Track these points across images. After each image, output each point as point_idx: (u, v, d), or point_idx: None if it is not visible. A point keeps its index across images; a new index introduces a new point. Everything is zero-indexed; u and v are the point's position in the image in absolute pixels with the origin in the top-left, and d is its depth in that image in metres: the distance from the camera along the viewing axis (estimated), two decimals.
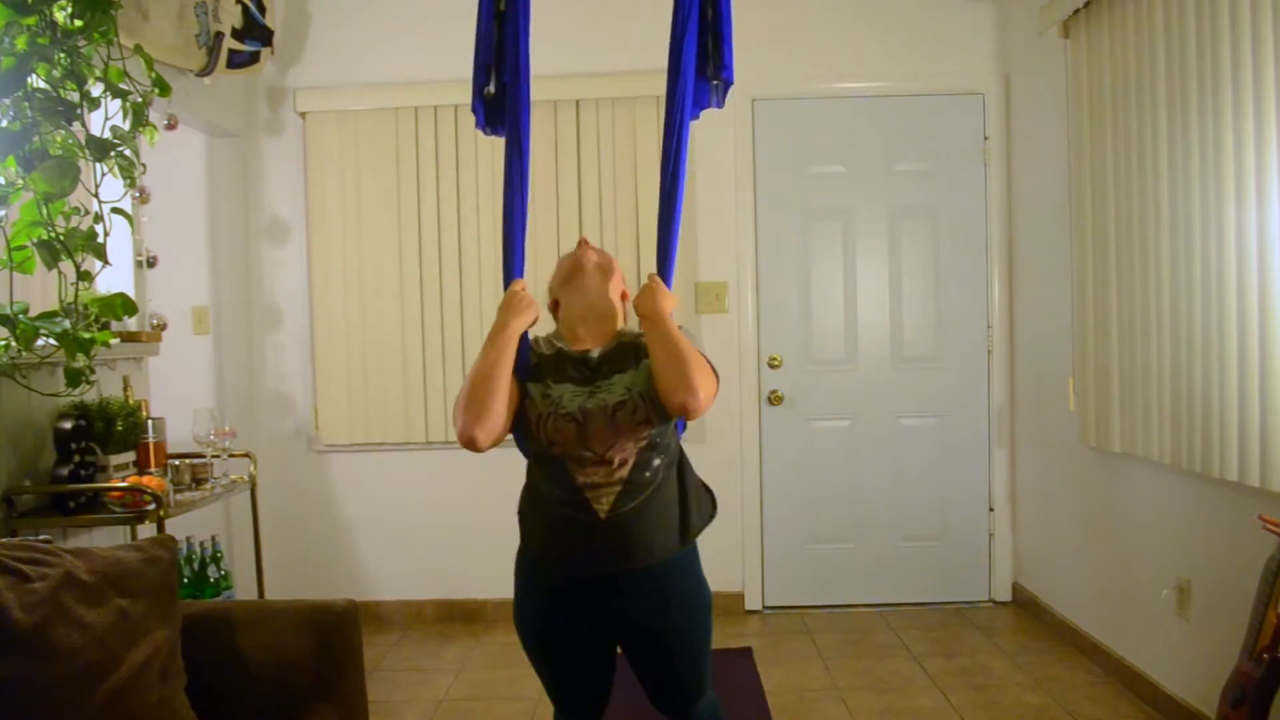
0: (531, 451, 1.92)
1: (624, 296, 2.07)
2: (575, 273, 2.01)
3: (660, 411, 1.81)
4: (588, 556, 1.84)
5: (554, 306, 2.07)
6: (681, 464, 1.95)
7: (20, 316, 2.05)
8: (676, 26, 2.07)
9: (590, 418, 1.80)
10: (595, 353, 1.93)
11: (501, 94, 2.01)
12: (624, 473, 1.82)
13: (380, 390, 4.07)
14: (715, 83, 2.16)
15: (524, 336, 1.92)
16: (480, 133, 2.13)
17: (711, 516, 2.00)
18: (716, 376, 1.86)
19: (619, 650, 2.01)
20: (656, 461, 1.86)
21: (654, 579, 1.87)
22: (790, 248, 4.13)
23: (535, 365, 1.93)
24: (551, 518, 1.87)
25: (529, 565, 1.96)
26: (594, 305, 1.99)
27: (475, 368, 1.84)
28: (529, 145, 2.00)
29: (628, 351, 1.93)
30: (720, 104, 2.24)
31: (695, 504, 1.94)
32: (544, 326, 2.06)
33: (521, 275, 2.01)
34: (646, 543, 1.84)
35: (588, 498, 1.81)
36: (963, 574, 4.17)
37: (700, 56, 2.11)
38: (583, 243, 2.09)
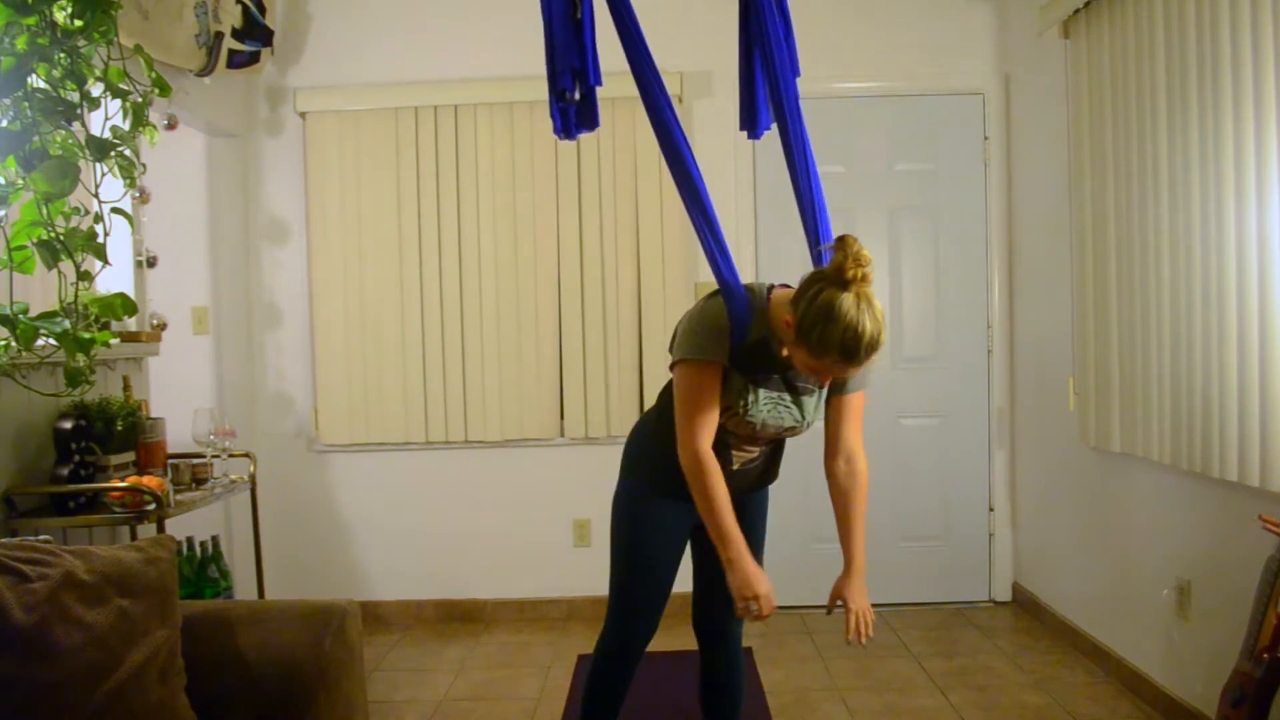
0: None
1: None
2: (813, 370, 1.92)
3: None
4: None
5: (786, 324, 1.94)
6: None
7: (20, 316, 2.05)
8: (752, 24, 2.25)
9: (766, 428, 2.08)
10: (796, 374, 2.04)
11: (587, 98, 2.24)
12: (757, 450, 2.18)
13: (380, 390, 4.07)
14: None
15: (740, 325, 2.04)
16: (558, 137, 2.36)
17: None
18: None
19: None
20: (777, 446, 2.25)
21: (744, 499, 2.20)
22: (790, 248, 4.13)
23: (745, 349, 2.02)
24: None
25: (659, 475, 2.19)
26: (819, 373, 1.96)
27: (706, 501, 2.05)
28: (686, 143, 2.15)
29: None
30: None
31: (777, 467, 2.33)
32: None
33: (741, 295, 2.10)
34: (750, 484, 2.24)
35: (732, 455, 2.13)
36: (963, 574, 4.17)
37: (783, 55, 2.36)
38: (856, 357, 1.83)
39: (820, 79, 4.08)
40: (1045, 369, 3.78)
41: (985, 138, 4.09)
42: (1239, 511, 2.51)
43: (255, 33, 3.74)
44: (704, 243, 2.13)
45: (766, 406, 2.04)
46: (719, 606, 2.31)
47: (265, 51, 3.84)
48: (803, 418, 2.10)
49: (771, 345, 2.01)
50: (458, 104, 4.02)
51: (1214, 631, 2.65)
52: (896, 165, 4.13)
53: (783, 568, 4.17)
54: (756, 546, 2.28)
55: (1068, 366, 3.49)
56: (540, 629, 4.00)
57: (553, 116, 2.23)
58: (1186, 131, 2.65)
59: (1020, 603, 4.09)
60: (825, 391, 2.12)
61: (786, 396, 2.07)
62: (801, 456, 4.15)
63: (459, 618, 4.14)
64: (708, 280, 4.10)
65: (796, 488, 4.15)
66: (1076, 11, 3.26)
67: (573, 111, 2.25)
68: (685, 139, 2.15)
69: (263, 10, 3.78)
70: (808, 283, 1.93)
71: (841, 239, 1.90)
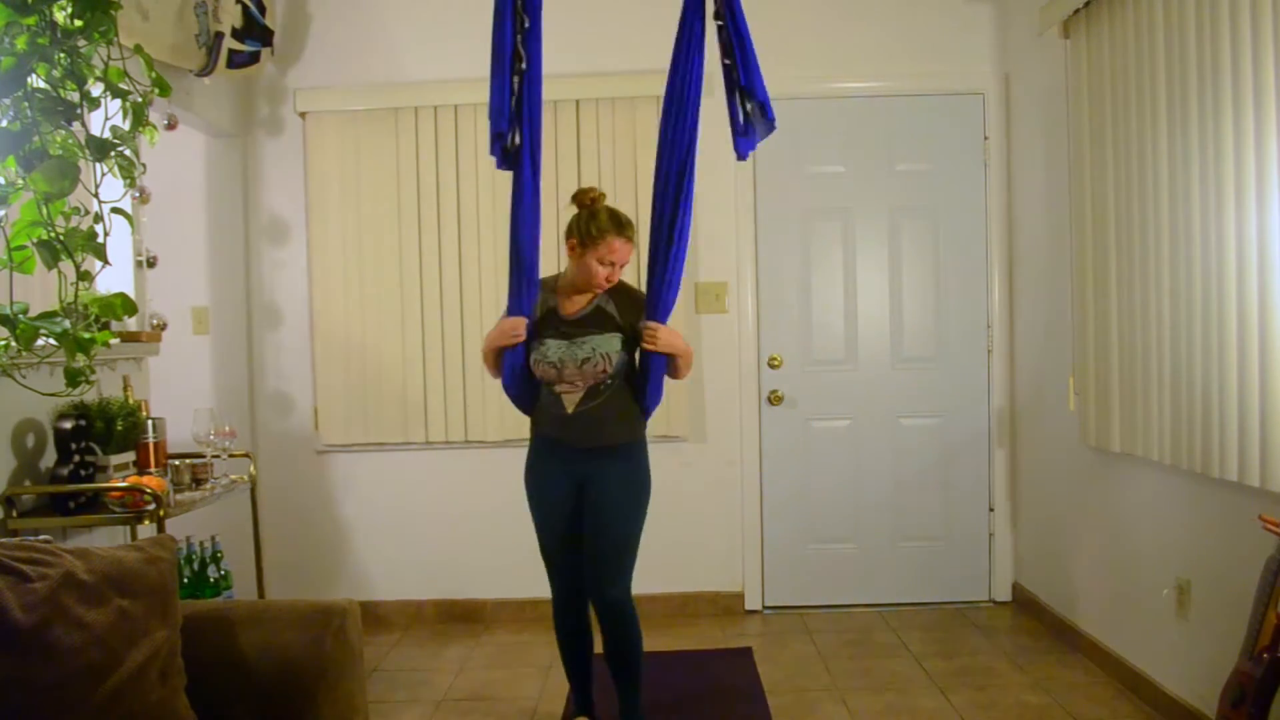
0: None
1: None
2: (605, 260, 2.65)
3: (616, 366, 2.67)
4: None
5: (571, 249, 2.70)
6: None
7: (20, 316, 2.05)
8: (679, 40, 2.60)
9: (565, 365, 2.66)
10: (576, 316, 2.71)
11: (524, 141, 2.64)
12: (577, 390, 2.69)
13: (380, 390, 4.07)
14: (749, 107, 2.44)
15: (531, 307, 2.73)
16: (488, 152, 2.68)
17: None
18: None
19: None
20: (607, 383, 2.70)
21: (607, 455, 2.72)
22: (790, 248, 4.13)
23: (535, 323, 2.71)
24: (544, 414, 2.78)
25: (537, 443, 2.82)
26: (595, 283, 2.68)
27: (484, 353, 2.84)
28: (539, 171, 2.72)
29: (603, 318, 2.69)
30: (756, 136, 2.62)
31: (628, 423, 2.76)
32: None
33: (528, 311, 2.71)
34: (597, 431, 2.71)
35: (561, 398, 2.70)
36: (963, 574, 4.17)
37: (727, 78, 2.58)
38: (624, 227, 2.68)
39: (820, 79, 4.09)
40: (1045, 369, 3.78)
41: (985, 138, 4.09)
42: (1239, 511, 2.51)
43: (255, 33, 3.74)
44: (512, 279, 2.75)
45: (556, 350, 2.65)
46: (591, 576, 2.73)
47: (265, 51, 3.84)
48: (592, 351, 2.63)
49: (558, 308, 2.70)
50: (458, 104, 4.02)
51: (1214, 631, 2.65)
52: (896, 165, 4.13)
53: (783, 567, 4.18)
54: (595, 534, 2.69)
55: (1068, 366, 3.49)
56: (540, 629, 4.00)
57: (493, 153, 2.71)
58: (1186, 131, 2.65)
59: (1020, 603, 4.09)
60: (616, 341, 2.67)
61: (573, 340, 2.66)
62: (800, 459, 4.16)
63: (459, 618, 4.14)
64: (707, 279, 4.10)
65: (796, 488, 4.16)
66: (1076, 11, 3.26)
67: (502, 150, 2.70)
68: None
69: (263, 10, 3.78)
70: (569, 223, 2.72)
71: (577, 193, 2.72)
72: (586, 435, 2.69)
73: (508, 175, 4.11)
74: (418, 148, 4.05)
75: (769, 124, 2.61)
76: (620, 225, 2.65)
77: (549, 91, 4.07)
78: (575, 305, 2.72)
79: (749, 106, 2.56)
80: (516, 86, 2.59)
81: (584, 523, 2.72)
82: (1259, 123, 2.36)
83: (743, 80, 2.53)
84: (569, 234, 2.70)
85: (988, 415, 4.15)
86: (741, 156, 2.69)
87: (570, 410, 2.68)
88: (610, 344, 2.66)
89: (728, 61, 2.55)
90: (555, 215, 4.02)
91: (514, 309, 2.71)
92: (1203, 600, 2.74)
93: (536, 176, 2.68)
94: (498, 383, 4.12)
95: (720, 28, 2.54)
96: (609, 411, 2.69)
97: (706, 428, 4.11)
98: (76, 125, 2.14)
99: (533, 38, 2.59)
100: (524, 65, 2.56)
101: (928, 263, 4.13)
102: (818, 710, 3.09)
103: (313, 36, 4.11)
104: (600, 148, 4.00)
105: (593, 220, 2.65)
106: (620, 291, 2.74)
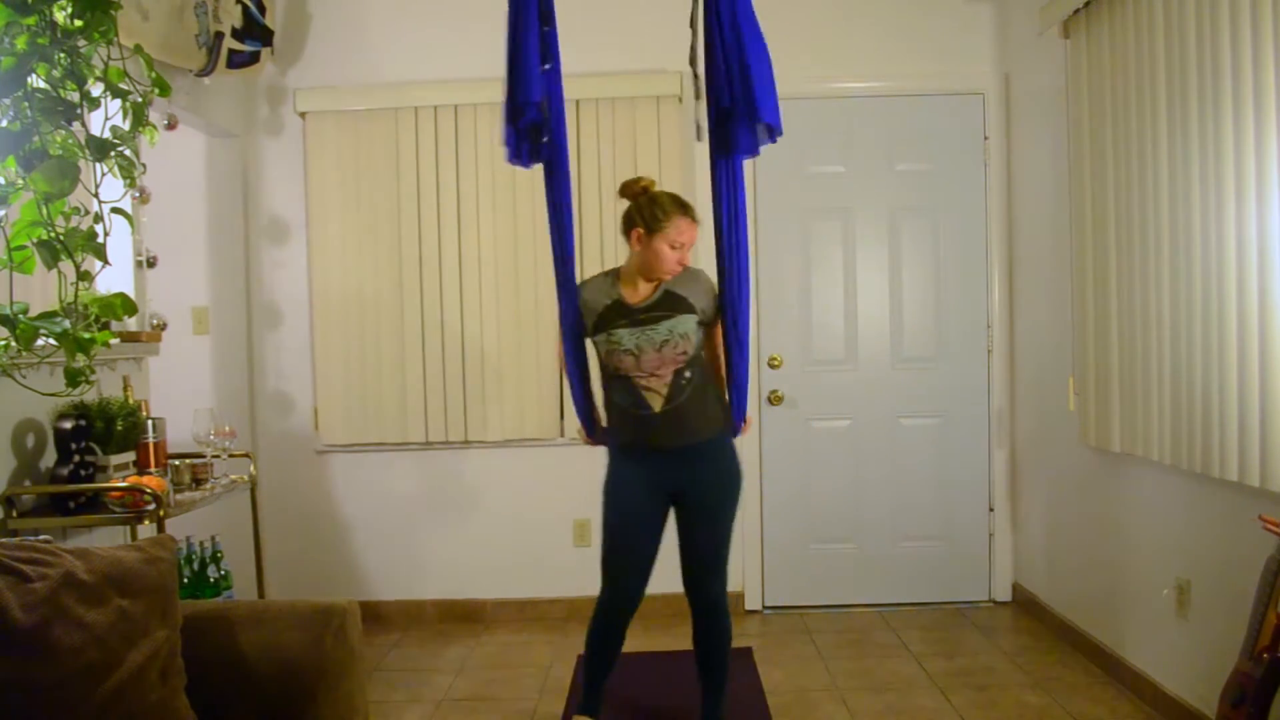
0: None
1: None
2: (675, 244, 2.59)
3: (696, 348, 2.63)
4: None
5: (638, 238, 2.61)
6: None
7: (20, 316, 2.05)
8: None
9: (643, 351, 2.57)
10: (645, 303, 2.62)
11: (555, 139, 2.56)
12: (662, 382, 2.60)
13: (380, 390, 4.07)
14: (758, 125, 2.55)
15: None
16: (502, 141, 2.57)
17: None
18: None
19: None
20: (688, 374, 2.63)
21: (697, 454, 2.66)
22: (790, 248, 4.13)
23: (598, 317, 2.65)
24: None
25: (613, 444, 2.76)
26: (666, 269, 2.62)
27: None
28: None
29: (674, 300, 2.62)
30: (754, 147, 2.56)
31: (712, 411, 2.70)
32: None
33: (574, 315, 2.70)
34: (688, 429, 2.64)
35: (642, 394, 2.60)
36: (963, 574, 4.17)
37: (729, 94, 2.48)
38: (688, 208, 2.63)
39: (820, 79, 4.08)
40: (1045, 369, 3.78)
41: (985, 138, 4.09)
42: (1239, 511, 2.51)
43: (255, 33, 3.74)
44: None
45: (631, 337, 2.57)
46: (695, 576, 2.72)
47: (265, 51, 3.84)
48: (669, 333, 2.56)
49: (623, 299, 2.62)
50: (458, 104, 4.02)
51: (1214, 631, 2.65)
52: (896, 165, 4.13)
53: (783, 568, 4.18)
54: (694, 538, 2.68)
55: (1068, 366, 3.49)
56: (540, 629, 4.00)
57: (508, 144, 2.57)
58: (1186, 131, 2.65)
59: (1020, 603, 4.09)
60: (691, 322, 2.60)
61: (646, 326, 2.58)
62: (800, 459, 4.15)
63: (459, 618, 4.14)
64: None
65: (796, 488, 4.15)
66: (1076, 11, 3.26)
67: (525, 147, 2.59)
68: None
69: (263, 10, 3.78)
70: (623, 217, 2.66)
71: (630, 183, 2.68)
72: (676, 434, 2.60)
73: (508, 175, 4.12)
74: (418, 148, 4.04)
75: (770, 137, 2.53)
76: (684, 206, 2.61)
77: None
78: (641, 294, 2.64)
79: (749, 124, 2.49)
80: (543, 79, 2.48)
81: (680, 525, 2.69)
82: (1259, 123, 2.36)
83: (736, 99, 2.43)
84: (630, 225, 2.62)
85: (988, 415, 4.15)
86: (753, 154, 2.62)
87: (657, 409, 2.58)
88: (686, 324, 2.58)
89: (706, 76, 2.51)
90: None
91: (566, 310, 2.69)
92: (1203, 600, 2.74)
93: (567, 174, 2.67)
94: (498, 383, 4.16)
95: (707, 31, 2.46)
96: (695, 407, 2.60)
97: None
98: (76, 125, 2.14)
99: (553, 39, 2.54)
100: (548, 65, 2.48)
101: (928, 263, 4.13)
102: (818, 710, 3.09)
103: (312, 36, 4.11)
104: (600, 148, 4.00)
105: (655, 205, 2.58)
106: (687, 275, 2.66)
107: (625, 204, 2.70)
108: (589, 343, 2.73)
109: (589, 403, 2.79)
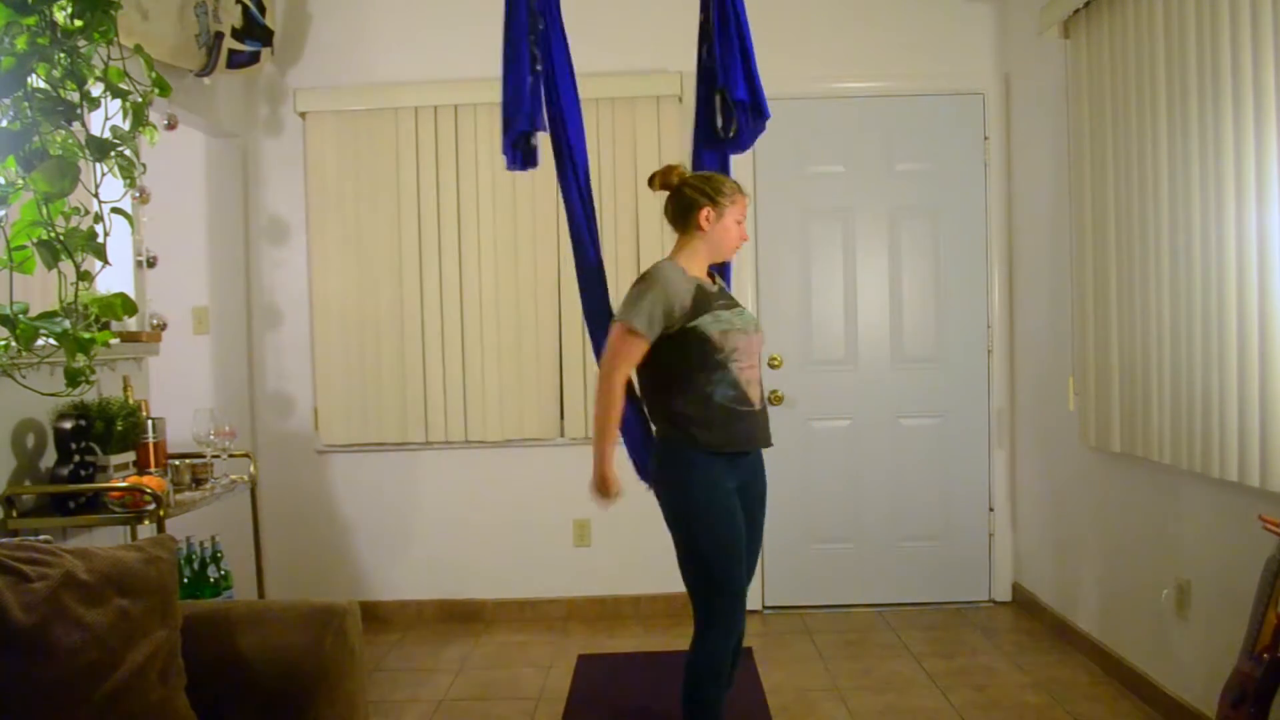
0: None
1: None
2: (740, 219, 2.49)
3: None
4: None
5: (706, 219, 2.44)
6: None
7: (20, 316, 2.05)
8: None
9: (749, 328, 2.43)
10: (721, 290, 2.51)
11: (563, 145, 2.59)
12: (755, 368, 2.45)
13: (380, 390, 4.07)
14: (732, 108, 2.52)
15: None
16: (501, 151, 2.62)
17: None
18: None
19: None
20: None
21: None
22: (790, 248, 4.13)
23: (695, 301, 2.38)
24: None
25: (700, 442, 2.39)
26: (733, 246, 2.53)
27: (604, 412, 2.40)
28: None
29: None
30: (735, 134, 2.66)
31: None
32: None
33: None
34: (765, 430, 2.49)
35: (745, 389, 2.39)
36: (963, 574, 4.17)
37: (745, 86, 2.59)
38: (745, 196, 2.53)
39: (820, 79, 4.08)
40: (1045, 369, 3.78)
41: (985, 138, 4.09)
42: (1239, 511, 2.51)
43: (255, 33, 3.74)
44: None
45: (740, 318, 2.43)
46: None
47: (265, 51, 3.84)
48: (755, 317, 2.55)
49: (702, 284, 2.41)
50: (458, 104, 4.02)
51: (1214, 631, 2.65)
52: (896, 165, 4.13)
53: (783, 568, 4.18)
54: (756, 535, 2.53)
55: (1068, 366, 3.49)
56: (540, 629, 4.00)
57: (505, 153, 2.63)
58: (1186, 131, 2.65)
59: (1020, 603, 4.09)
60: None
61: (735, 310, 2.45)
62: (800, 459, 4.15)
63: (459, 618, 4.14)
64: None
65: (796, 488, 4.15)
66: (1076, 11, 3.26)
67: (519, 155, 2.67)
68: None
69: (263, 10, 3.78)
70: (679, 202, 2.48)
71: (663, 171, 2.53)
72: (767, 432, 2.47)
73: (508, 175, 4.11)
74: (418, 147, 4.04)
75: (760, 123, 2.62)
76: (736, 182, 2.53)
77: None
78: (711, 280, 2.51)
79: (731, 107, 2.56)
80: (533, 85, 2.52)
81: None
82: (1259, 123, 2.36)
83: (734, 85, 2.52)
84: (693, 208, 2.44)
85: (988, 415, 4.15)
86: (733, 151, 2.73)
87: (758, 405, 2.41)
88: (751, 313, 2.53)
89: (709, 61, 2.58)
90: (556, 214, 4.03)
91: (593, 310, 2.71)
92: (1203, 600, 2.74)
93: (583, 180, 2.69)
94: (498, 383, 4.15)
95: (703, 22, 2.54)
96: (765, 403, 2.50)
97: None
98: (76, 125, 2.14)
99: (547, 39, 2.56)
100: (539, 66, 2.48)
101: (928, 263, 4.13)
102: (818, 710, 3.09)
103: (312, 36, 4.11)
104: (600, 148, 4.00)
105: (712, 183, 2.46)
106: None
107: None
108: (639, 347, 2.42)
109: (645, 431, 2.56)
